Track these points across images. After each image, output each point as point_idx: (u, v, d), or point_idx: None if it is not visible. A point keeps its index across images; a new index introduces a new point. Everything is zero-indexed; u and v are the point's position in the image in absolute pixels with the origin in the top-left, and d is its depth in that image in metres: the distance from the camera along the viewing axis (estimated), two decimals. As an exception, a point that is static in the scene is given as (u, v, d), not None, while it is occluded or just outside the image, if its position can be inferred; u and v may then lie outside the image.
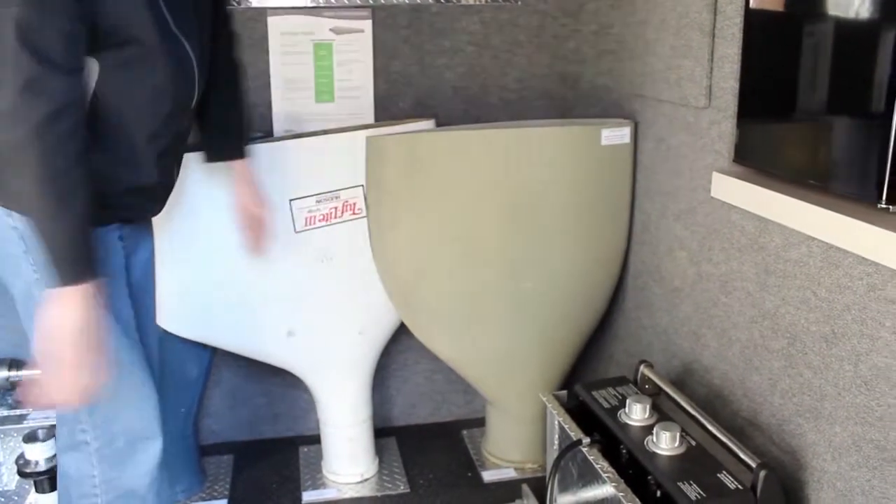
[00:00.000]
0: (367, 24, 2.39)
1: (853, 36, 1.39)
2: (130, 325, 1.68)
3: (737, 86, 1.72)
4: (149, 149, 1.59)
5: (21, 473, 2.08)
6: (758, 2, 1.64)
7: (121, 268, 1.69)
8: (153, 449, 1.67)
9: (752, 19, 1.66)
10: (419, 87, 2.46)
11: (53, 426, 1.87)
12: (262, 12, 2.32)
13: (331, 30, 2.37)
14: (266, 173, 2.08)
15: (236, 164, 1.96)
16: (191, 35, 1.60)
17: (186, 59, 1.60)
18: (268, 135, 2.39)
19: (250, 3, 2.30)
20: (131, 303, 1.71)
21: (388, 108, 2.46)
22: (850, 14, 1.39)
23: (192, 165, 1.97)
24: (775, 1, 1.61)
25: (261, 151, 2.10)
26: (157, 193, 1.71)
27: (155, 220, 1.88)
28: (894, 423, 1.31)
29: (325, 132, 2.27)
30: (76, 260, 1.40)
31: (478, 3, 2.42)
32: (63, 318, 1.40)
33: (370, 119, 2.45)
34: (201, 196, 2.04)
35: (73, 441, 1.64)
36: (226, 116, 1.92)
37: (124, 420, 1.64)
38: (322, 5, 2.35)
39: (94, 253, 1.43)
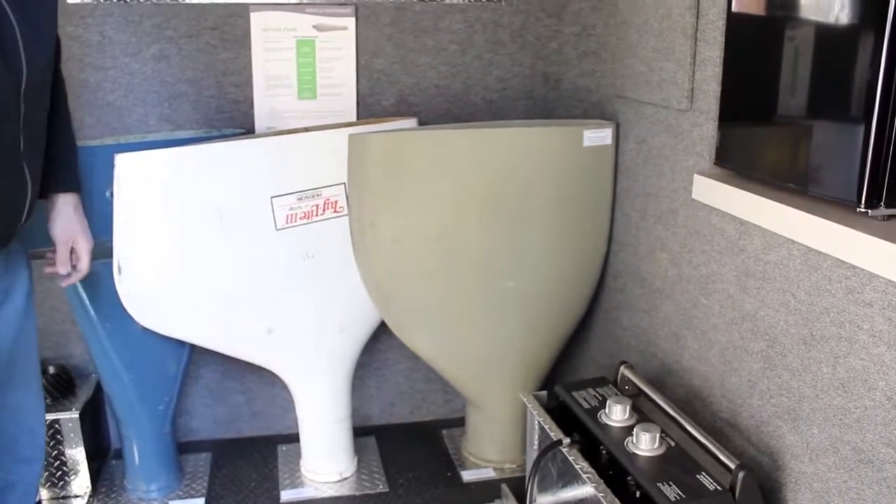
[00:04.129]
0: (350, 22, 2.38)
1: (833, 40, 1.40)
2: None
3: (718, 88, 1.73)
4: None
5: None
6: (740, 5, 1.65)
7: None
8: None
9: (734, 22, 1.67)
10: (402, 86, 2.46)
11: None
12: (245, 8, 2.31)
13: (314, 27, 2.36)
14: (247, 170, 2.07)
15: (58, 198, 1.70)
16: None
17: (7, 32, 1.30)
18: (249, 132, 2.38)
19: (232, -2, 2.29)
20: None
21: (371, 106, 2.45)
22: (831, 19, 1.40)
23: (163, 161, 1.96)
24: (757, 4, 1.62)
25: (242, 148, 2.09)
26: None
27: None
28: (871, 425, 1.32)
29: (307, 129, 2.26)
30: None
31: (461, 2, 2.42)
32: None
33: (352, 117, 2.44)
34: (178, 192, 2.02)
35: None
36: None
37: None
38: (305, 2, 2.34)
39: None
